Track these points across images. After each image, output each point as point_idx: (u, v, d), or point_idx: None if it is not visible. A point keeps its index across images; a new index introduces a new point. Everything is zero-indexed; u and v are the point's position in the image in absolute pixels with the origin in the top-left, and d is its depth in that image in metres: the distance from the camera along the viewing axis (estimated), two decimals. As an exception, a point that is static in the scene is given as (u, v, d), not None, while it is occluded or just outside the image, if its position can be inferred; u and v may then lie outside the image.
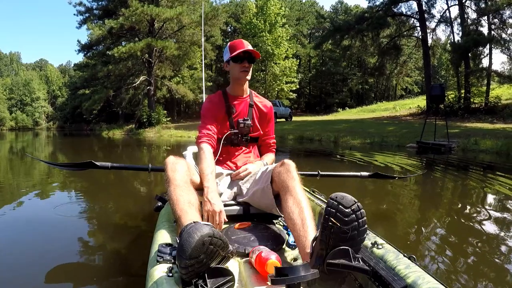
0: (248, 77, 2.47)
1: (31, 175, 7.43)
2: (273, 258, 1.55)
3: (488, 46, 22.56)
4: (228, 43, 2.50)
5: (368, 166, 8.54)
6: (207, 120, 2.48)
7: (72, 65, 71.26)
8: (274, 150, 2.76)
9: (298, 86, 41.13)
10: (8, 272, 2.48)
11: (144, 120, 32.37)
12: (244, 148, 2.58)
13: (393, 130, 18.22)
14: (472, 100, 22.26)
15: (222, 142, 2.49)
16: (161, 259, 1.46)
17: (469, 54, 22.37)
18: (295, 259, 1.84)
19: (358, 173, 3.14)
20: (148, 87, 33.48)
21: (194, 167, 2.25)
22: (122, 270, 2.55)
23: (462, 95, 22.81)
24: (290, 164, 2.01)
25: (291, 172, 1.97)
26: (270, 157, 2.67)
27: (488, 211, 4.06)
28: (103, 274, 2.50)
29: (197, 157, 2.39)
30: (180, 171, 1.97)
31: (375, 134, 16.71)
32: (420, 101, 27.52)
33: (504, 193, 5.09)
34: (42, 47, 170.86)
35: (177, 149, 15.88)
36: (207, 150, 2.32)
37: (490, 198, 4.82)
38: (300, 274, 1.31)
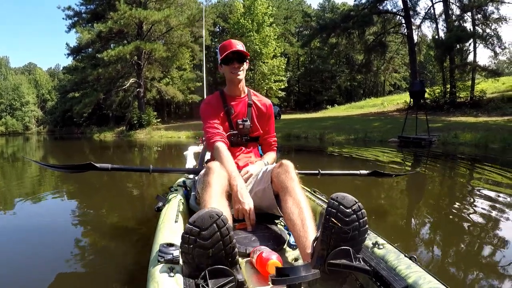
0: (240, 77, 2.42)
1: (25, 180, 7.29)
2: (274, 258, 1.54)
3: (472, 42, 22.79)
4: (219, 45, 2.46)
5: (351, 159, 8.66)
6: (211, 120, 2.41)
7: (61, 68, 70.66)
8: (275, 148, 2.71)
9: (286, 85, 41.22)
10: (9, 278, 2.45)
11: (135, 122, 32.39)
12: (244, 148, 2.52)
13: (378, 125, 18.55)
14: (457, 94, 22.50)
15: None
16: (162, 259, 1.44)
17: (454, 50, 22.59)
18: (296, 259, 1.83)
19: (358, 172, 3.12)
20: (138, 89, 33.48)
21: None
22: (123, 270, 2.53)
23: (448, 90, 23.01)
24: (289, 165, 1.99)
25: (289, 173, 1.95)
26: (271, 156, 2.62)
27: (488, 209, 4.02)
28: (104, 275, 2.48)
29: (214, 157, 2.31)
30: (219, 183, 1.92)
31: (360, 130, 17.05)
32: (408, 97, 27.63)
33: (499, 189, 5.08)
34: (30, 51, 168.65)
35: (168, 150, 16.03)
36: (224, 149, 2.25)
37: (488, 195, 4.72)
38: (301, 274, 1.29)
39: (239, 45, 2.38)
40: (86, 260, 2.77)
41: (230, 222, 1.77)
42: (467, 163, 8.21)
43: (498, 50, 22.97)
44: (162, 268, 1.38)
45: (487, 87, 22.92)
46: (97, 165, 2.58)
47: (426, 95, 23.52)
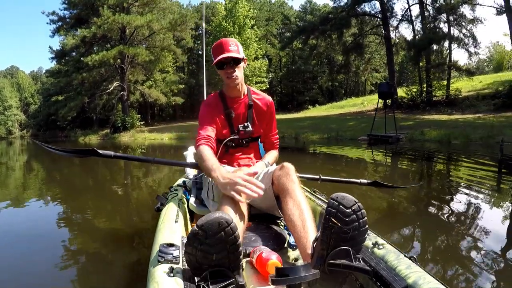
0: (237, 81, 2.29)
1: (20, 184, 7.14)
2: (274, 259, 1.53)
3: (448, 42, 23.17)
4: (212, 46, 2.33)
5: (323, 156, 8.74)
6: (206, 123, 2.30)
7: (44, 72, 69.44)
8: (277, 146, 2.63)
9: (268, 86, 41.08)
10: (10, 280, 2.42)
11: (119, 125, 32.18)
12: (244, 149, 2.47)
13: (353, 124, 19.02)
14: (434, 93, 22.83)
15: (222, 147, 2.37)
16: (162, 259, 1.42)
17: (430, 50, 22.94)
18: (296, 260, 1.82)
19: (358, 180, 3.05)
20: (122, 93, 33.29)
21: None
22: (123, 270, 2.51)
23: (424, 89, 23.33)
24: (290, 167, 1.96)
25: (290, 175, 1.92)
26: (272, 155, 2.53)
27: (488, 210, 4.05)
28: (104, 275, 2.47)
29: (197, 159, 2.24)
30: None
31: (335, 129, 17.53)
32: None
33: (494, 189, 5.18)
34: (12, 54, 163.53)
35: (152, 151, 16.16)
36: (208, 151, 2.12)
37: (488, 194, 4.78)
38: (301, 274, 1.29)
39: (232, 46, 2.26)
40: (86, 260, 2.74)
41: (244, 221, 1.75)
42: (458, 161, 8.44)
43: (473, 50, 23.45)
44: (162, 268, 1.37)
45: (464, 85, 23.30)
46: (100, 151, 2.53)
47: (403, 94, 24.00)
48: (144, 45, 33.90)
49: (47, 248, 3.06)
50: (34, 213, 4.48)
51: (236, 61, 2.27)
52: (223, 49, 2.24)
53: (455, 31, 23.43)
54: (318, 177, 2.79)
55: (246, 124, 2.39)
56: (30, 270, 2.55)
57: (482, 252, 2.72)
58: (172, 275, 1.33)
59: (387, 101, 14.81)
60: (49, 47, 48.46)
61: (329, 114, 27.62)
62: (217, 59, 2.23)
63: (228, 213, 1.65)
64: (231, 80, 2.29)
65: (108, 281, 2.35)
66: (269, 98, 2.54)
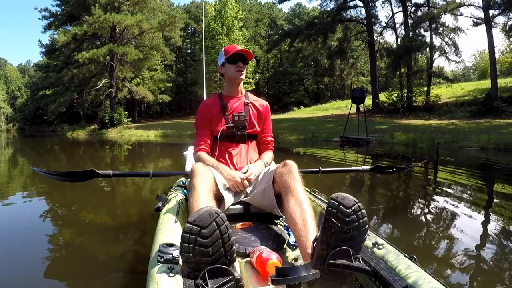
0: (243, 77, 2.46)
1: (20, 180, 6.91)
2: (273, 258, 1.50)
3: (429, 50, 23.49)
4: (223, 48, 2.51)
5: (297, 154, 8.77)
6: (201, 128, 2.49)
7: (32, 65, 68.27)
8: (272, 147, 2.67)
9: (254, 87, 41.07)
10: (9, 275, 2.37)
11: (106, 121, 32.09)
12: (241, 145, 2.47)
13: (331, 127, 19.43)
14: (414, 99, 23.11)
15: (218, 137, 2.41)
16: (162, 259, 1.39)
17: (413, 57, 23.26)
18: (295, 260, 1.79)
19: (359, 167, 2.99)
20: (110, 89, 33.24)
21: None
22: (123, 270, 2.47)
23: (405, 94, 23.60)
24: (292, 165, 1.95)
25: (293, 173, 1.91)
26: (269, 155, 2.57)
27: (489, 210, 4.06)
28: (104, 275, 2.43)
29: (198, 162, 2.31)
30: (206, 183, 1.91)
31: (313, 131, 17.90)
32: (369, 100, 28.13)
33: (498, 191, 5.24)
34: (0, 46, 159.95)
35: (138, 147, 16.24)
36: (206, 155, 2.39)
37: (489, 196, 4.82)
38: (301, 274, 1.27)
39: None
40: (85, 261, 2.68)
41: None
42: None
43: (455, 58, 23.84)
44: (162, 268, 1.34)
45: (445, 92, 23.65)
46: (99, 172, 2.53)
47: (385, 99, 24.26)
48: (133, 43, 33.74)
49: (42, 249, 2.92)
50: (23, 210, 4.36)
51: (245, 61, 2.46)
52: (236, 48, 2.44)
53: (437, 39, 23.83)
54: (317, 169, 2.77)
55: (240, 112, 2.48)
56: (24, 271, 2.46)
57: (483, 251, 2.74)
58: (171, 275, 1.30)
59: (360, 105, 15.18)
60: (39, 41, 47.88)
61: (312, 116, 27.76)
62: (233, 52, 2.40)
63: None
64: (239, 73, 2.43)
65: (108, 281, 2.31)
66: (265, 102, 2.67)
